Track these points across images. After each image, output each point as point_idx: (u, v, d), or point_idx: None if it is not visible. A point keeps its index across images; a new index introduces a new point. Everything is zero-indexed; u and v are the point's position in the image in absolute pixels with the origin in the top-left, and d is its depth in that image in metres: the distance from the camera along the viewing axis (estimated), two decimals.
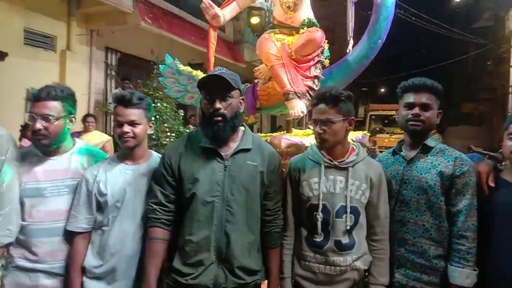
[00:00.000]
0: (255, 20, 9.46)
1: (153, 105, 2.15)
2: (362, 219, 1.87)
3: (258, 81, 3.38)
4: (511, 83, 12.60)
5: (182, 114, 7.07)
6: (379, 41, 3.29)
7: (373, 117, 14.86)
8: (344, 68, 3.41)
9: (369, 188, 1.87)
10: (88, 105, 7.71)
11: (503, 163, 1.91)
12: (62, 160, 1.97)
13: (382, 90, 25.07)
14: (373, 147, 9.02)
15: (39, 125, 1.85)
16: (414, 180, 1.91)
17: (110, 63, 8.33)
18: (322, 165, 1.88)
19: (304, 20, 3.15)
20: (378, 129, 13.27)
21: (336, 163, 1.88)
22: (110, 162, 1.98)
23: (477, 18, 15.89)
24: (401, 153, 2.03)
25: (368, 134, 3.66)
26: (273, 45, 3.09)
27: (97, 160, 2.03)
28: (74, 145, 2.04)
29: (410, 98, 1.96)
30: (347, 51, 3.50)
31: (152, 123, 2.05)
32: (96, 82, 7.95)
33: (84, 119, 5.97)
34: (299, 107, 3.02)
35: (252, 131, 2.00)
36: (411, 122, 1.93)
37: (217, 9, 3.16)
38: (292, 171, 1.97)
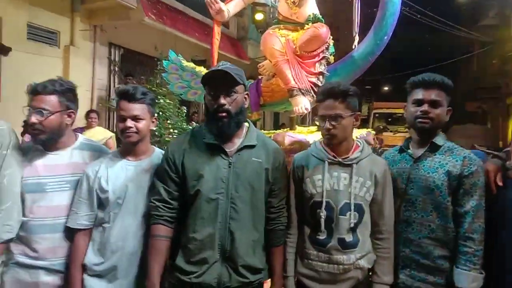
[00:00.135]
0: (259, 16, 9.42)
1: (156, 101, 2.12)
2: (367, 216, 1.84)
3: (261, 78, 3.36)
4: None
5: (185, 110, 7.05)
6: (385, 37, 3.27)
7: (377, 115, 14.78)
8: (349, 65, 3.40)
9: (374, 185, 1.84)
10: (91, 101, 7.69)
11: (507, 163, 1.87)
12: (64, 155, 1.94)
13: (386, 88, 25.04)
14: (380, 146, 8.88)
15: (34, 118, 1.82)
16: (421, 179, 1.86)
17: (113, 59, 8.29)
18: (326, 161, 1.86)
19: (309, 15, 3.14)
20: (381, 127, 13.24)
21: (340, 159, 1.85)
22: (112, 158, 1.95)
23: (482, 16, 15.82)
24: (408, 150, 1.98)
25: (373, 132, 3.63)
26: (277, 40, 3.07)
27: (99, 155, 2.00)
28: (76, 140, 2.01)
29: (419, 94, 1.91)
30: (353, 47, 3.47)
31: (156, 119, 2.02)
32: (99, 78, 7.92)
33: (87, 115, 5.97)
34: (303, 103, 3.00)
35: None
36: (419, 119, 1.89)
37: (221, 4, 3.14)
38: (296, 168, 1.94)
